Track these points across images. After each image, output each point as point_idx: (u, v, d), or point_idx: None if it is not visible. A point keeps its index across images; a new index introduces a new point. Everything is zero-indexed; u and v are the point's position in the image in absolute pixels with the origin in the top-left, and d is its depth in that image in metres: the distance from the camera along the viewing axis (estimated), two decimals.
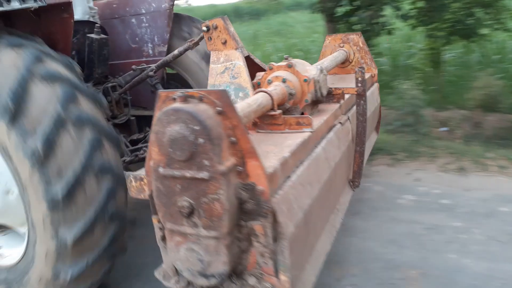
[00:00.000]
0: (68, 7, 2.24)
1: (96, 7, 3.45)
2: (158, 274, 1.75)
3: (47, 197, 1.94)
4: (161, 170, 1.47)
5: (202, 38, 2.60)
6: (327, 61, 3.17)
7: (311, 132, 2.00)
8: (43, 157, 1.89)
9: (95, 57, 2.98)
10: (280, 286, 1.50)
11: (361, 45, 3.53)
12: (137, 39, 3.39)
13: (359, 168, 2.65)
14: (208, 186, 1.40)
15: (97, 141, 2.03)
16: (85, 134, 1.98)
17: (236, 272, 1.59)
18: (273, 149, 1.80)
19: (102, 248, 2.12)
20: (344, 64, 3.61)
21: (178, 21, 3.39)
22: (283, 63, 2.27)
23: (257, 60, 2.68)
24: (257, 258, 1.54)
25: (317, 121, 2.19)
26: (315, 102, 2.33)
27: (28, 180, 1.94)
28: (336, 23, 5.77)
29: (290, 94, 2.18)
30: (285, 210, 1.55)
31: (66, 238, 1.99)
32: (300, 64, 2.31)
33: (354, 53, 3.57)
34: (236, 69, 2.41)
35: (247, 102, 1.86)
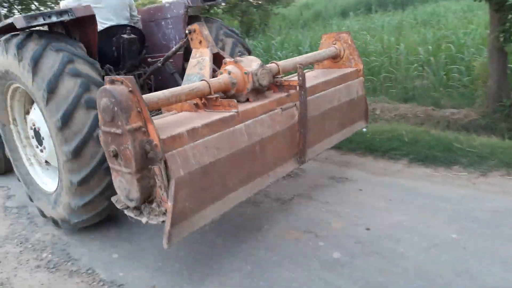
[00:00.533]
0: (92, 19, 3.18)
1: (138, 15, 4.44)
2: (113, 199, 2.61)
3: (63, 151, 2.93)
4: (101, 127, 2.31)
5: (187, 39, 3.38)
6: (307, 56, 3.70)
7: (235, 112, 2.64)
8: (62, 126, 2.88)
9: (126, 52, 3.95)
10: (168, 209, 2.23)
11: (350, 43, 3.94)
12: (166, 37, 4.30)
13: (303, 146, 3.17)
14: (122, 139, 2.20)
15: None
16: (92, 112, 2.91)
17: (150, 199, 2.37)
18: (196, 122, 2.51)
19: (99, 191, 3.06)
20: (336, 60, 4.04)
21: (211, 25, 4.20)
22: (232, 59, 2.94)
23: (226, 56, 3.35)
24: (159, 191, 2.29)
25: (251, 105, 2.82)
26: (258, 90, 2.93)
27: (55, 139, 2.97)
28: (507, 13, 4.91)
29: (233, 83, 2.84)
30: (178, 161, 2.26)
31: (74, 181, 2.98)
32: (248, 61, 2.93)
33: (344, 50, 3.98)
34: (203, 62, 3.14)
35: (182, 87, 2.61)
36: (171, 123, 2.55)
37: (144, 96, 2.30)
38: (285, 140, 3.08)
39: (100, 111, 2.26)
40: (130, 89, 2.18)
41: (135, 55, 4.08)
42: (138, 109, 2.20)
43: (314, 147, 3.40)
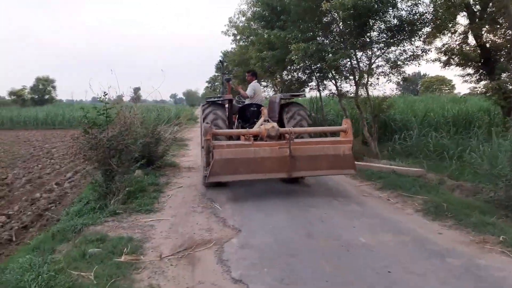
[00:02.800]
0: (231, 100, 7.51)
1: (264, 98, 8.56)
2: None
3: None
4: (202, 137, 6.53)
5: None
6: (305, 128, 6.94)
7: (251, 142, 6.25)
8: None
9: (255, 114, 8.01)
10: (208, 169, 6.08)
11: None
12: (272, 110, 8.23)
13: (290, 168, 6.28)
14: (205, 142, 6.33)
15: None
16: None
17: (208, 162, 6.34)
18: (233, 142, 6.36)
19: None
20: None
21: (292, 105, 7.96)
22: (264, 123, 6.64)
23: (271, 122, 6.97)
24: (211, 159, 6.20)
25: (263, 142, 6.38)
26: (270, 137, 6.39)
27: None
28: None
29: (260, 132, 6.52)
30: (218, 151, 6.10)
31: None
32: (269, 124, 6.53)
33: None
34: (260, 124, 6.97)
35: (245, 130, 6.58)
36: (228, 141, 6.46)
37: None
38: (279, 161, 6.29)
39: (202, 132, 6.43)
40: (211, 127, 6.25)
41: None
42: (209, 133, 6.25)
43: (300, 171, 6.46)
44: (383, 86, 15.68)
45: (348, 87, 12.82)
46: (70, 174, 10.77)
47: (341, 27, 11.00)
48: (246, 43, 18.26)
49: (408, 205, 5.83)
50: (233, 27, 19.53)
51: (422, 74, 48.36)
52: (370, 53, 11.14)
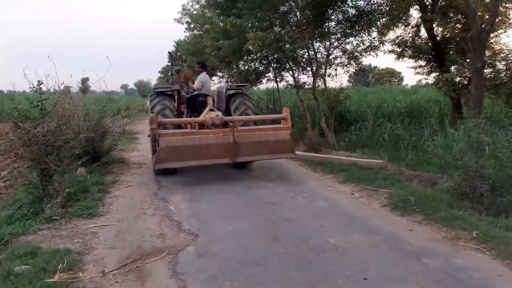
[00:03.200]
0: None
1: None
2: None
3: None
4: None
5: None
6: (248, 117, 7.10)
7: (196, 131, 6.05)
8: None
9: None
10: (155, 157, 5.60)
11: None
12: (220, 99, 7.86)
13: (234, 154, 6.28)
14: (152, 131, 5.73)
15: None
16: None
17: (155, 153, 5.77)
18: (179, 131, 6.00)
19: None
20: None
21: (236, 95, 7.74)
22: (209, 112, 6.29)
23: (215, 110, 6.72)
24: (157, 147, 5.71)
25: (207, 130, 6.26)
26: (216, 125, 6.29)
27: None
28: None
29: (205, 121, 6.10)
30: (164, 138, 5.86)
31: None
32: (214, 113, 6.43)
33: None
34: (206, 111, 6.48)
35: (190, 119, 6.02)
36: (173, 130, 6.24)
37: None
38: (224, 148, 6.21)
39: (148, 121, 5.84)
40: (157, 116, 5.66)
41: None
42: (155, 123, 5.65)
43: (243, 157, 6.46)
44: (340, 78, 15.59)
45: (305, 78, 12.54)
46: (5, 172, 9.53)
47: (298, 17, 10.59)
48: (200, 32, 17.44)
49: (374, 199, 5.54)
50: (186, 15, 18.57)
51: (373, 66, 49.73)
52: (328, 43, 10.87)
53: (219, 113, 6.59)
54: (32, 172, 5.68)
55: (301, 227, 4.46)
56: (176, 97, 7.89)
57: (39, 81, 5.87)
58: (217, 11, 13.57)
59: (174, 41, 34.94)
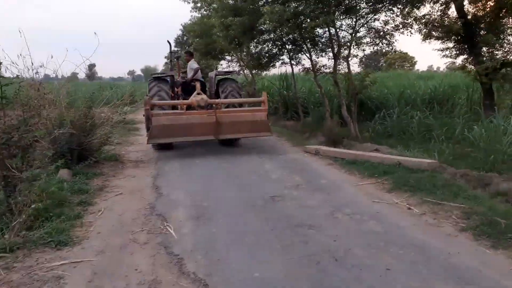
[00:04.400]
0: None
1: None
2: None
3: None
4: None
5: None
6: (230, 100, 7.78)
7: (183, 110, 6.16)
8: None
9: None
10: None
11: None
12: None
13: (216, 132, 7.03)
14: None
15: None
16: None
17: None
18: (171, 111, 6.18)
19: None
20: None
21: (224, 80, 8.27)
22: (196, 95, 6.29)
23: (202, 94, 6.60)
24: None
25: (194, 111, 6.55)
26: (202, 107, 7.14)
27: None
28: None
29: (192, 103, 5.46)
30: (156, 118, 6.05)
31: None
32: (200, 96, 6.74)
33: None
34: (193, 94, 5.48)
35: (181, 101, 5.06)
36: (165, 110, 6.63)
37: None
38: (207, 126, 6.91)
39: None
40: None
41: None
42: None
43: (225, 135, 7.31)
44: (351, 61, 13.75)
45: (324, 61, 10.94)
46: None
47: None
48: (207, 12, 15.71)
49: (442, 218, 3.99)
50: None
51: (383, 50, 47.17)
52: (354, 20, 9.19)
53: (204, 96, 7.32)
54: None
55: (359, 272, 2.95)
56: (171, 81, 8.55)
57: None
58: None
59: (181, 24, 33.14)
